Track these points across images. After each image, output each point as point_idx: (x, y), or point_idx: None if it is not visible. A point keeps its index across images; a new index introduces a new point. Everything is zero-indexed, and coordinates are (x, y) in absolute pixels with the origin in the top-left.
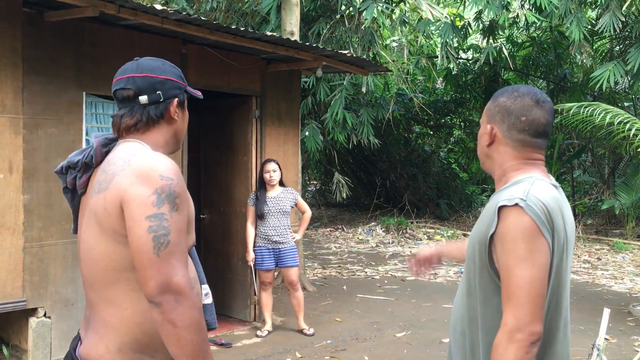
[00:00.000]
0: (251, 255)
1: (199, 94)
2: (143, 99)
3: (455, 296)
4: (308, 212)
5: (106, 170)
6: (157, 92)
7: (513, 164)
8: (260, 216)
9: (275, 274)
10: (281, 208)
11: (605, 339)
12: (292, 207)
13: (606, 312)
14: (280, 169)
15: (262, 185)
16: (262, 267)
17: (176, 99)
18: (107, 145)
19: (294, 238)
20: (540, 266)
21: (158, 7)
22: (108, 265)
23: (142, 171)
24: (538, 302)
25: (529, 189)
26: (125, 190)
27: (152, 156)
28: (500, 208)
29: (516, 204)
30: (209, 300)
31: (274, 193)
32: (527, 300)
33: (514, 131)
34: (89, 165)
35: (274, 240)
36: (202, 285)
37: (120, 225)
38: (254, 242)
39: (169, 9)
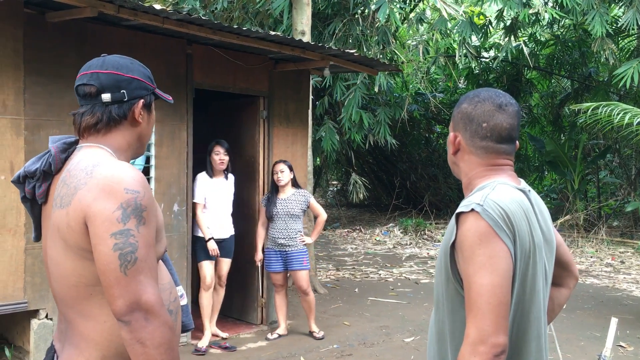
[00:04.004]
0: (259, 256)
1: (169, 98)
2: (106, 97)
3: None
4: (322, 216)
5: (67, 182)
6: (122, 91)
7: (478, 171)
8: (269, 218)
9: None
10: (289, 211)
11: (622, 346)
12: (303, 210)
13: (614, 321)
14: (292, 170)
15: (275, 186)
16: (270, 269)
17: (142, 100)
18: (66, 151)
19: (303, 242)
20: (501, 272)
21: (157, 6)
22: (79, 282)
23: (106, 184)
24: (500, 311)
25: (488, 193)
26: (89, 206)
27: (116, 167)
28: (458, 215)
29: (472, 210)
30: (184, 301)
31: (285, 195)
32: (488, 309)
33: (476, 138)
34: (48, 174)
35: (280, 242)
36: (177, 287)
37: (86, 242)
38: (264, 243)
39: (169, 9)
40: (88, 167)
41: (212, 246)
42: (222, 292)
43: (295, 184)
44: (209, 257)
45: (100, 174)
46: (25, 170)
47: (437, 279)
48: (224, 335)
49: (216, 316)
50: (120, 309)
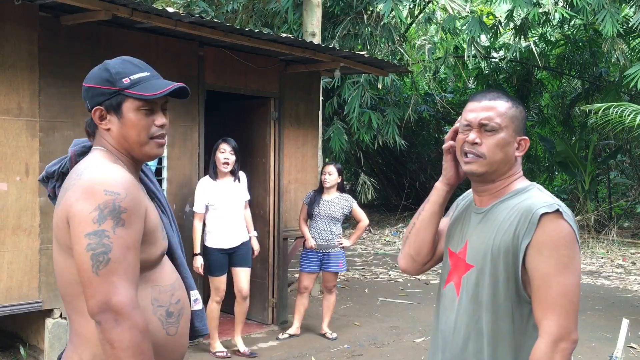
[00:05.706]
0: (311, 242)
1: (165, 91)
2: (86, 106)
3: (454, 310)
4: (364, 222)
5: (64, 184)
6: (86, 102)
7: (519, 173)
8: (309, 216)
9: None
10: (330, 213)
11: (633, 347)
12: (344, 214)
13: (625, 322)
14: (341, 175)
15: (321, 186)
16: (304, 269)
17: (99, 107)
18: (84, 154)
19: (341, 244)
20: (579, 272)
21: (170, 9)
22: (71, 279)
23: (88, 186)
24: (577, 310)
25: (550, 196)
26: (71, 206)
27: (102, 169)
28: (541, 215)
29: (557, 210)
30: (198, 306)
31: (329, 197)
32: (572, 308)
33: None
34: (66, 175)
35: (319, 244)
36: (191, 291)
37: (70, 241)
38: (303, 244)
39: (181, 12)
40: (81, 169)
41: (197, 263)
42: (245, 304)
43: (340, 188)
44: (222, 271)
45: (87, 176)
46: (46, 171)
47: (486, 280)
48: (244, 349)
49: (240, 328)
50: (91, 308)
